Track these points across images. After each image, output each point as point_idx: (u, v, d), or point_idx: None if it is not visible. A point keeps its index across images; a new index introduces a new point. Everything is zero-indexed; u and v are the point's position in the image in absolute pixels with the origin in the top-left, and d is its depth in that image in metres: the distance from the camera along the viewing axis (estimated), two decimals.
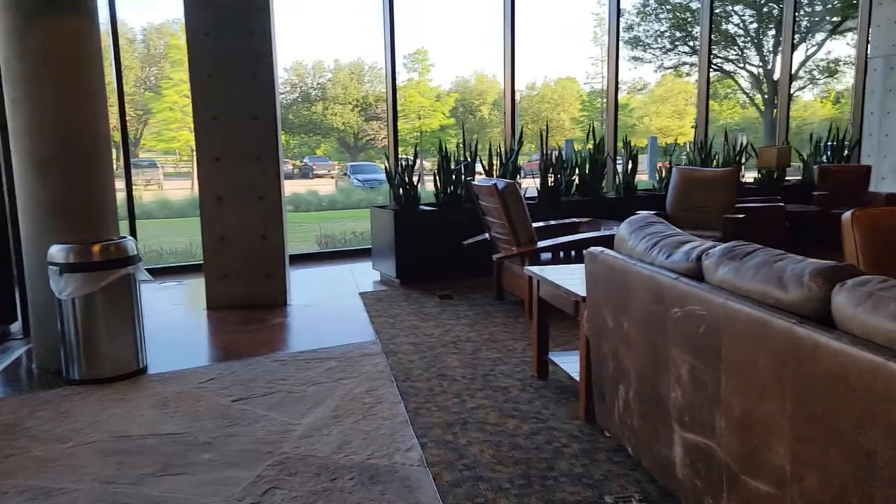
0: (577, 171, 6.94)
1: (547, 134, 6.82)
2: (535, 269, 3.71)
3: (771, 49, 20.13)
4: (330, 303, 5.46)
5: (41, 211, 3.68)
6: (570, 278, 3.47)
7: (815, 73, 21.22)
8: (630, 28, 20.16)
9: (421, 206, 6.31)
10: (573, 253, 5.00)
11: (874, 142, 9.09)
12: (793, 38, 9.78)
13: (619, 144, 7.72)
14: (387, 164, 6.28)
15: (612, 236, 5.10)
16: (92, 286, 3.56)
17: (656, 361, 2.34)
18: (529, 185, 6.74)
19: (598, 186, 6.97)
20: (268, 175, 5.14)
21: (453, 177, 6.28)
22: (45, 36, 3.57)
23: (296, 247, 10.16)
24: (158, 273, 6.52)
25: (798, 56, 20.19)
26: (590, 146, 7.07)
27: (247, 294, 5.23)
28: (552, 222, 5.65)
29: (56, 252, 3.54)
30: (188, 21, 4.90)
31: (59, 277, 3.52)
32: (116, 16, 6.11)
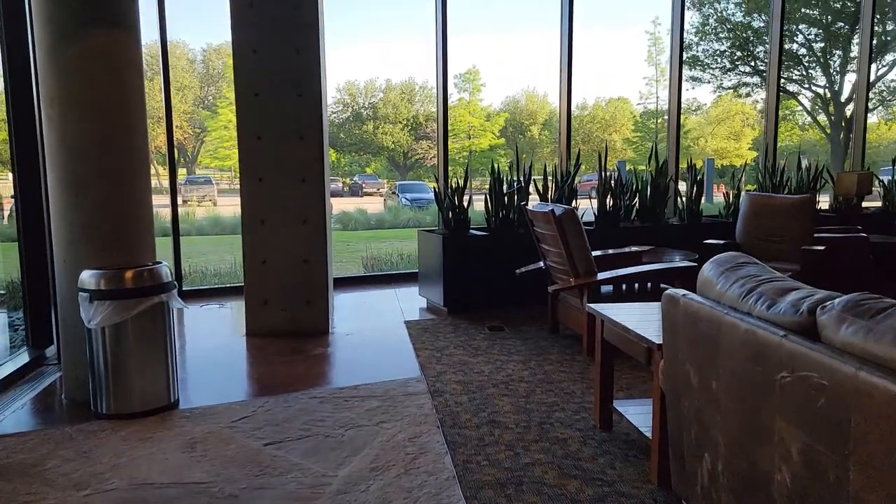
0: (637, 196, 6.53)
1: (606, 155, 6.44)
2: (598, 306, 3.34)
3: (837, 69, 19.27)
4: (373, 332, 5.17)
5: (74, 232, 3.51)
6: (640, 319, 3.10)
7: (884, 94, 20.22)
8: (689, 47, 19.60)
9: (471, 231, 6.00)
10: (636, 286, 4.60)
11: None
12: (870, 57, 9.19)
13: (682, 166, 7.29)
14: (436, 186, 6.01)
15: (682, 269, 4.71)
16: (123, 315, 3.34)
17: (756, 432, 1.95)
18: (584, 208, 6.35)
19: (661, 212, 6.54)
20: (312, 197, 4.91)
21: (505, 200, 5.96)
22: (83, 51, 3.41)
23: (342, 268, 9.98)
24: (201, 295, 6.37)
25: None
26: (650, 169, 6.66)
27: (287, 321, 4.99)
28: (610, 251, 5.25)
29: (87, 278, 3.35)
30: (235, 38, 4.73)
31: (88, 305, 3.32)
32: (167, 35, 6.02)
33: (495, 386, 3.93)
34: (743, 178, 7.35)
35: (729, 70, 19.80)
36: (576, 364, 4.35)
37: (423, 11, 6.49)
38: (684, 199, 6.81)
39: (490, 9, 37.81)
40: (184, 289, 6.36)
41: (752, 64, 19.40)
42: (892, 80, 19.72)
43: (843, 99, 19.44)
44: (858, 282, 6.05)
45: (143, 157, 3.68)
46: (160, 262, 3.58)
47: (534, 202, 5.92)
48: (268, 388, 3.94)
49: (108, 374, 3.40)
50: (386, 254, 10.02)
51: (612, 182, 6.31)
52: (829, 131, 20.22)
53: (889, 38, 18.24)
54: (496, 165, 5.94)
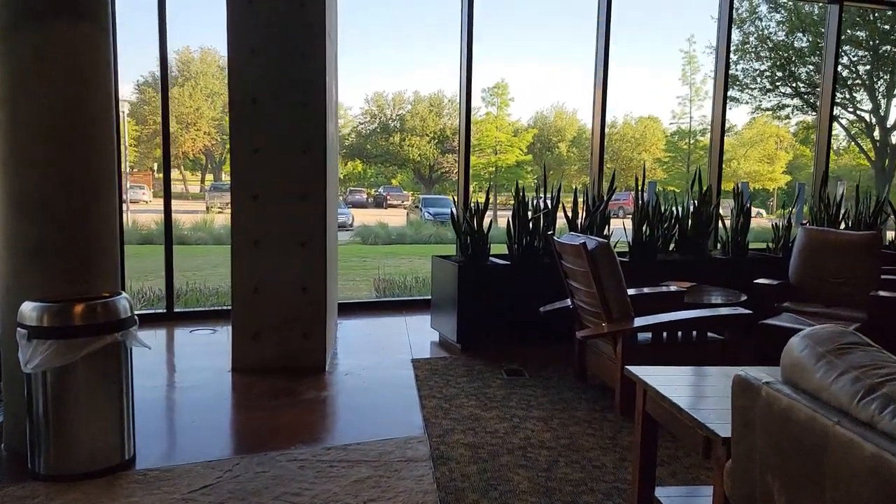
0: (677, 224, 5.87)
1: (644, 177, 5.80)
2: (641, 371, 2.72)
3: (884, 93, 18.38)
4: (376, 371, 4.58)
5: (20, 256, 2.98)
6: (694, 391, 2.48)
7: None
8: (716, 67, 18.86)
9: (491, 259, 5.40)
10: (679, 334, 3.96)
11: None
12: None
13: (727, 188, 6.63)
14: (453, 210, 5.43)
15: (734, 317, 4.06)
16: (68, 357, 2.80)
17: None
18: (613, 229, 5.71)
19: (703, 244, 5.88)
20: (313, 217, 4.36)
21: (530, 225, 5.35)
22: (38, 47, 2.90)
23: (354, 287, 9.44)
24: (193, 318, 5.85)
25: None
26: (691, 193, 6.00)
27: (280, 356, 4.43)
28: (646, 290, 4.61)
29: (28, 311, 2.82)
30: (231, 36, 4.21)
31: (27, 344, 2.79)
32: (167, 43, 5.52)
33: (510, 452, 3.31)
34: (794, 210, 6.66)
35: (769, 91, 19.00)
36: (607, 425, 3.71)
37: (455, 22, 6.18)
38: (728, 229, 6.14)
39: (521, 22, 37.38)
40: (175, 310, 5.84)
41: (794, 85, 18.61)
42: None
43: (889, 124, 18.53)
44: None
45: (108, 170, 3.15)
46: (119, 294, 3.03)
47: (567, 236, 5.33)
48: (243, 444, 3.37)
49: (47, 427, 2.86)
50: (401, 274, 9.47)
51: (651, 209, 5.66)
52: (873, 157, 19.28)
53: None
54: (521, 187, 5.34)
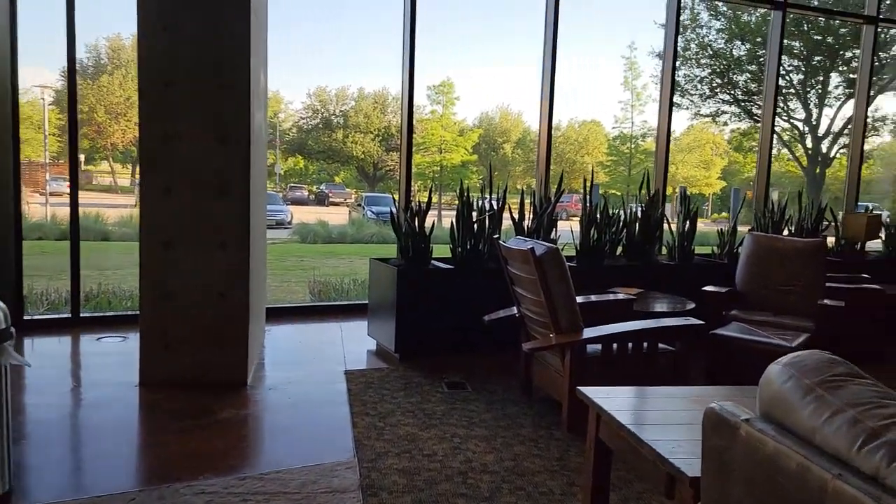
0: (624, 229, 5.67)
1: (593, 181, 5.58)
2: (594, 392, 2.44)
3: (816, 102, 18.92)
4: (304, 386, 4.19)
5: None
6: (655, 417, 2.21)
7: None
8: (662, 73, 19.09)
9: (433, 262, 5.08)
10: (630, 346, 3.71)
11: None
12: (869, 89, 8.54)
13: (668, 191, 6.48)
14: (393, 210, 5.08)
15: (686, 328, 3.84)
16: None
17: None
18: (559, 232, 5.46)
19: (650, 249, 5.70)
20: (234, 215, 3.93)
21: (475, 228, 5.05)
22: None
23: (289, 290, 8.96)
24: (103, 324, 5.31)
25: (846, 111, 18.98)
26: (639, 196, 5.83)
27: (194, 369, 3.99)
28: (594, 298, 4.37)
29: None
30: (141, 12, 3.75)
31: None
32: (75, 27, 4.98)
33: (449, 479, 2.99)
34: (738, 214, 6.58)
35: (708, 97, 19.32)
36: (553, 444, 3.43)
37: (400, 17, 5.88)
38: (675, 234, 5.99)
39: (468, 21, 37.26)
40: (82, 314, 5.29)
41: (732, 93, 18.96)
42: (868, 117, 19.42)
43: (820, 133, 19.10)
44: (876, 340, 5.27)
45: None
46: None
47: (513, 240, 5.06)
48: (144, 474, 2.94)
49: None
50: (339, 275, 9.04)
51: (599, 213, 5.44)
52: (805, 164, 19.84)
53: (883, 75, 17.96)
54: (465, 187, 5.03)
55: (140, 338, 3.94)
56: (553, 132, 6.35)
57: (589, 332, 3.59)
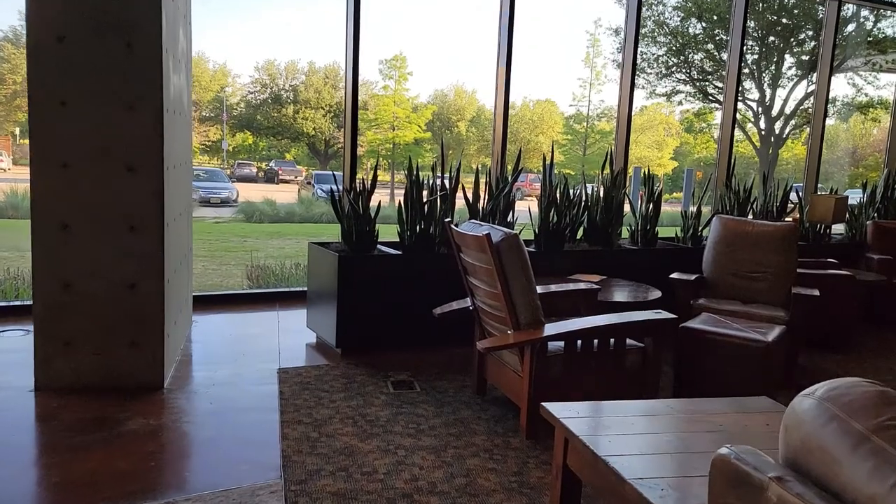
0: (586, 211, 5.31)
1: (552, 159, 5.18)
2: (562, 410, 2.04)
3: (770, 83, 18.96)
4: (229, 388, 3.71)
5: None
6: (642, 445, 1.82)
7: (810, 111, 20.09)
8: (622, 49, 18.85)
9: (379, 247, 4.62)
10: (595, 342, 3.34)
11: None
12: (831, 68, 8.34)
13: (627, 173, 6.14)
14: (334, 188, 4.58)
15: (656, 322, 3.47)
16: None
17: None
18: (517, 214, 5.06)
19: (613, 233, 5.35)
20: (144, 194, 3.39)
21: (425, 209, 4.60)
22: None
23: (227, 274, 8.36)
24: (5, 315, 4.70)
25: (798, 92, 19.08)
26: (600, 176, 5.46)
27: (100, 371, 3.46)
28: (554, 288, 3.97)
29: None
30: None
31: None
32: None
33: (392, 502, 2.57)
34: (704, 195, 6.29)
35: (665, 76, 19.16)
36: (511, 455, 3.04)
37: None
38: (637, 216, 5.66)
39: None
40: None
41: (689, 72, 18.84)
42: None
43: (773, 113, 19.18)
44: (848, 327, 5.05)
45: None
46: None
47: (466, 224, 4.64)
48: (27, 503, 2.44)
49: None
50: (282, 258, 8.48)
51: (559, 194, 5.05)
52: (758, 145, 19.94)
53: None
54: (414, 165, 4.57)
55: (34, 335, 3.38)
56: (509, 110, 5.91)
57: (551, 329, 3.20)
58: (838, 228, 7.07)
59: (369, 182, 4.53)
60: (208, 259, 9.36)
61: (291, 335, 4.71)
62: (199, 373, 3.89)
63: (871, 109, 19.30)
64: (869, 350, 5.11)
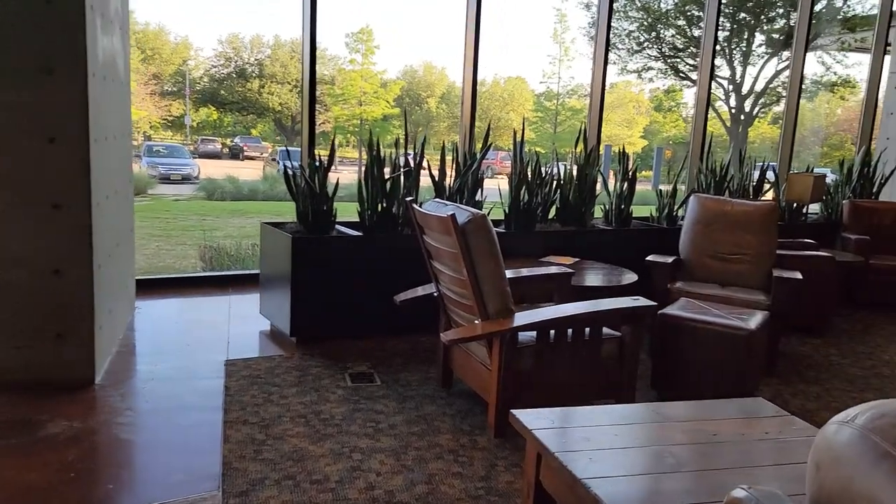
0: (558, 190, 5.04)
1: (523, 135, 4.88)
2: (534, 419, 1.77)
3: (741, 60, 18.86)
4: (170, 383, 3.38)
5: None
6: (632, 464, 1.56)
7: (779, 90, 20.11)
8: (595, 24, 18.56)
9: (338, 228, 4.30)
10: (570, 331, 3.08)
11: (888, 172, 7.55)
12: (806, 43, 8.15)
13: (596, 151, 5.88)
14: (287, 165, 4.23)
15: (632, 310, 3.21)
16: None
17: None
18: (485, 192, 4.75)
19: (587, 213, 5.09)
20: (68, 168, 3.02)
21: (387, 187, 4.28)
22: None
23: (180, 255, 7.95)
24: None
25: (768, 70, 19.01)
26: (574, 153, 5.19)
27: (24, 367, 3.11)
28: (525, 273, 3.69)
29: None
30: None
31: None
32: None
33: None
34: (680, 174, 6.07)
35: (636, 52, 18.93)
36: (478, 456, 2.78)
37: None
38: (612, 195, 5.41)
39: None
40: None
41: (660, 48, 18.63)
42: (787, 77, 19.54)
43: (744, 91, 19.12)
44: (827, 310, 4.89)
45: None
46: None
47: (430, 203, 4.35)
48: None
49: None
50: (240, 237, 8.09)
51: (530, 171, 4.77)
52: (728, 124, 19.89)
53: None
54: (376, 140, 4.23)
55: None
56: (478, 87, 5.58)
57: (522, 318, 2.93)
58: (813, 207, 6.93)
59: (327, 157, 4.19)
60: (163, 238, 8.93)
61: (243, 323, 4.38)
62: (138, 366, 3.56)
63: (838, 88, 19.37)
64: (847, 333, 4.96)
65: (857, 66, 17.86)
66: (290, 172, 4.12)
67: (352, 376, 3.57)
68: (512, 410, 1.85)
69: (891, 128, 8.15)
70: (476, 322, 2.99)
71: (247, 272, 5.53)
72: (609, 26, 6.48)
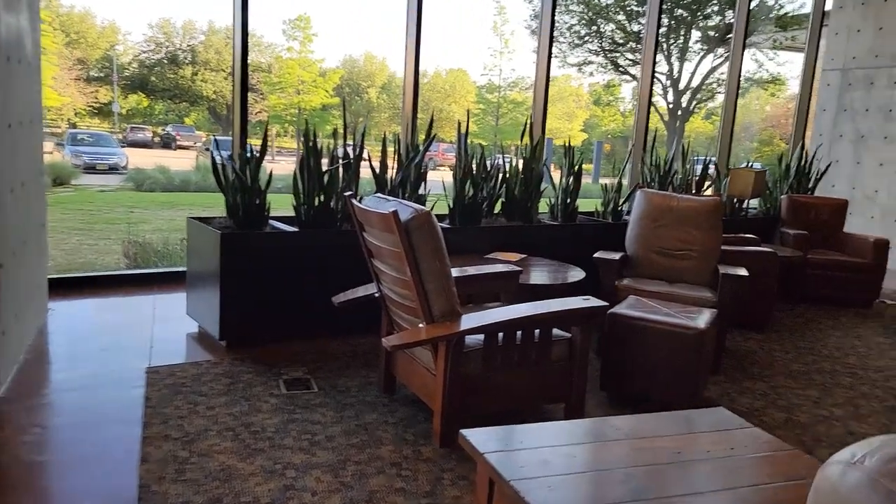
0: (504, 184, 4.90)
1: (468, 127, 4.71)
2: (485, 442, 1.59)
3: (678, 55, 19.21)
4: (84, 394, 3.07)
5: None
6: (583, 486, 1.41)
7: (714, 86, 20.65)
8: (537, 16, 18.52)
9: (272, 223, 4.04)
10: (519, 334, 2.93)
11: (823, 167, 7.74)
12: (744, 39, 8.27)
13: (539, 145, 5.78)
14: (217, 156, 3.93)
15: (585, 311, 3.07)
16: None
17: None
18: (429, 185, 4.57)
19: (532, 208, 4.97)
20: None
21: (325, 179, 4.04)
22: None
23: (103, 250, 7.48)
24: None
25: (704, 67, 19.44)
26: (518, 146, 5.06)
27: None
28: (471, 271, 3.52)
29: None
30: None
31: None
32: None
33: None
34: (624, 168, 6.01)
35: (577, 46, 19.03)
36: (422, 468, 2.61)
37: None
38: (559, 191, 5.30)
39: None
40: None
41: (601, 43, 18.78)
42: (722, 74, 20.01)
43: (681, 87, 19.51)
44: (768, 306, 4.91)
45: None
46: None
47: (370, 199, 4.13)
48: None
49: None
50: (169, 231, 7.66)
51: (475, 164, 4.60)
52: (666, 119, 20.26)
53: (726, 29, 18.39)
54: (312, 129, 3.99)
55: None
56: (420, 79, 5.38)
57: (469, 321, 2.76)
58: (752, 203, 7.02)
59: (259, 149, 3.92)
60: (85, 232, 8.39)
61: (169, 325, 4.07)
62: (49, 376, 3.23)
63: (769, 85, 19.97)
64: (787, 328, 5.00)
65: (787, 63, 18.49)
66: (218, 163, 3.83)
67: (286, 383, 3.33)
68: (462, 431, 1.68)
69: (824, 124, 8.36)
70: (420, 325, 2.80)
71: (175, 269, 5.18)
72: (553, 19, 6.38)
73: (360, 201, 2.99)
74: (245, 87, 4.66)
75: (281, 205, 4.32)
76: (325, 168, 4.01)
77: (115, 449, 2.60)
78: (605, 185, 5.66)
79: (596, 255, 4.22)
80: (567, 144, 5.35)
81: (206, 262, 3.79)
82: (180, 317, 4.13)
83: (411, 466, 2.63)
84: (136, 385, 3.18)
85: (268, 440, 2.74)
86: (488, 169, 4.68)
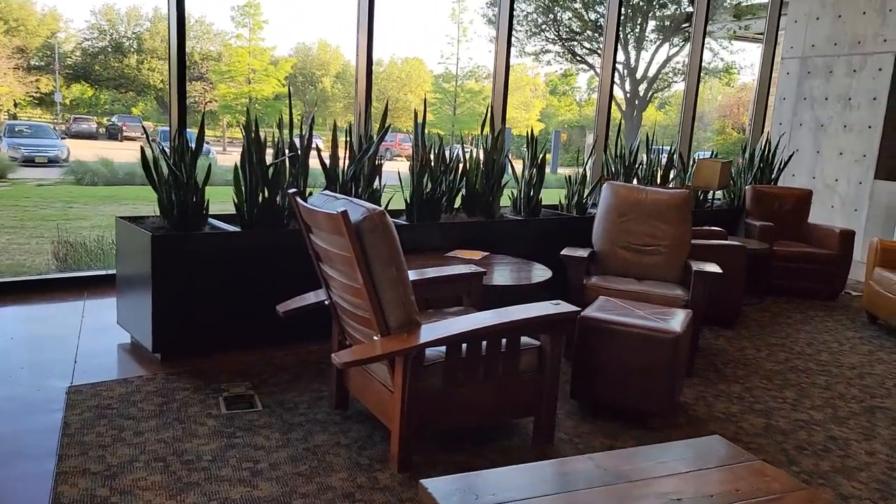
0: (464, 178, 4.62)
1: (425, 118, 4.41)
2: (449, 495, 1.32)
3: (635, 45, 19.18)
4: None
5: None
6: None
7: (670, 75, 20.71)
8: (494, 3, 18.23)
9: (211, 222, 3.68)
10: (485, 344, 2.66)
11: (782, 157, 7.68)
12: (704, 30, 8.13)
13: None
14: (150, 149, 3.55)
15: (554, 318, 2.79)
16: None
17: None
18: (386, 174, 4.26)
19: (495, 202, 4.71)
20: None
21: (269, 174, 3.69)
22: None
23: (34, 250, 6.95)
24: None
25: (660, 56, 19.46)
26: (480, 135, 4.79)
27: None
28: (431, 273, 3.23)
29: None
30: None
31: None
32: None
33: None
34: (587, 160, 5.79)
35: (533, 34, 18.82)
36: (378, 498, 2.32)
37: None
38: (521, 183, 5.05)
39: None
40: None
41: (558, 31, 18.61)
42: (678, 61, 20.11)
43: (638, 76, 19.50)
44: (735, 299, 4.76)
45: None
46: None
47: (318, 196, 3.80)
48: None
49: None
50: (108, 229, 7.16)
51: (433, 157, 4.31)
52: (624, 108, 20.24)
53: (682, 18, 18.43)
54: (253, 119, 3.63)
55: None
56: (374, 67, 5.05)
57: (429, 333, 2.48)
58: (717, 194, 6.90)
59: (195, 142, 3.55)
60: (17, 231, 7.83)
61: (97, 336, 3.68)
62: None
63: (724, 74, 20.12)
64: (757, 324, 4.86)
65: (740, 52, 18.60)
66: (148, 157, 3.46)
67: (227, 401, 3.00)
68: (422, 482, 1.40)
69: (784, 113, 8.31)
70: (375, 338, 2.51)
71: (108, 272, 4.76)
72: (512, 7, 6.12)
73: (306, 200, 2.67)
74: (183, 74, 4.27)
75: (225, 199, 3.97)
76: (269, 162, 3.67)
77: (23, 488, 2.25)
78: (569, 176, 5.42)
79: (563, 252, 3.98)
80: (530, 134, 5.09)
81: (138, 267, 3.42)
82: (111, 326, 3.75)
83: (366, 496, 2.34)
84: (54, 409, 2.81)
85: (203, 471, 2.42)
86: (447, 161, 4.40)
